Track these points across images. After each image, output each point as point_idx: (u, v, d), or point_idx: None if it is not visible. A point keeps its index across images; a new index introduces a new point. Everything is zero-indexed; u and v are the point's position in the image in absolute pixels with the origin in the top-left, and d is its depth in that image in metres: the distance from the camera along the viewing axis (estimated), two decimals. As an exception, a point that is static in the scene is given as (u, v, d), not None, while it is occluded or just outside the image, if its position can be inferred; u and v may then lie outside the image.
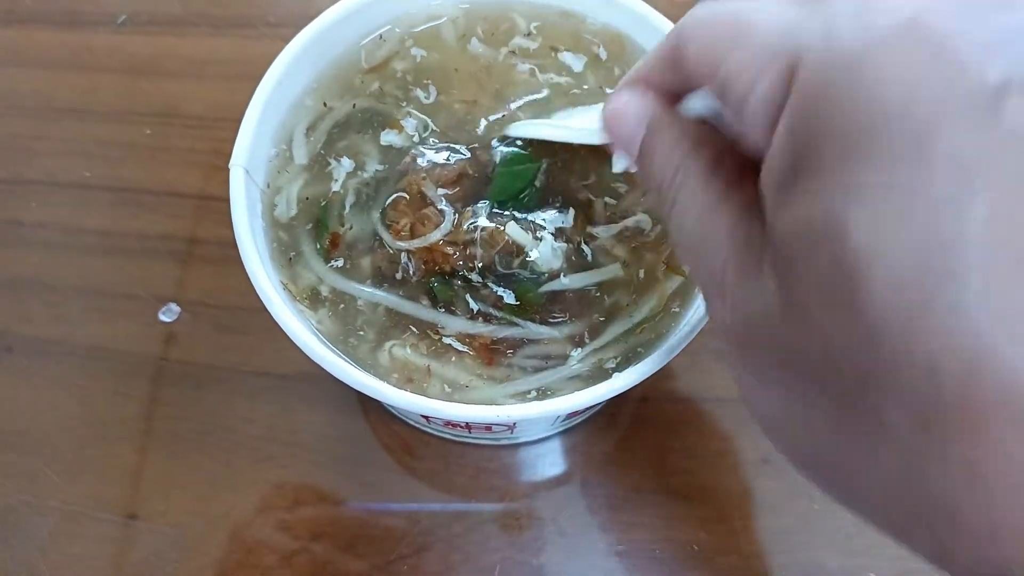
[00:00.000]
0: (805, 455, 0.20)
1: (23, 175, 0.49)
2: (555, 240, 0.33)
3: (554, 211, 0.34)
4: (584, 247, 0.34)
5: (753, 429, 0.41)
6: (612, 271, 0.34)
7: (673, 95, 0.24)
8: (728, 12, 0.21)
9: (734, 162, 0.22)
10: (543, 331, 0.33)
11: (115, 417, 0.43)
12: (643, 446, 0.42)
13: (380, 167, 0.36)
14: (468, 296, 0.33)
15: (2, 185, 0.49)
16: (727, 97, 0.20)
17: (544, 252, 0.33)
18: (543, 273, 0.33)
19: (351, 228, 0.35)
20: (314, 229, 0.35)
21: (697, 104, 0.23)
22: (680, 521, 0.40)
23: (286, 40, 0.53)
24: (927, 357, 0.15)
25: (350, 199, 0.36)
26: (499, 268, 0.33)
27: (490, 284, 0.33)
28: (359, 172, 0.36)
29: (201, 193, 0.48)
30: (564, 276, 0.33)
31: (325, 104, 0.37)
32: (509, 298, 0.33)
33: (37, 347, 0.45)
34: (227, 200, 0.46)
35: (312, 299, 0.35)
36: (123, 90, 0.52)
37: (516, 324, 0.33)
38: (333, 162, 0.36)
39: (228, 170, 0.33)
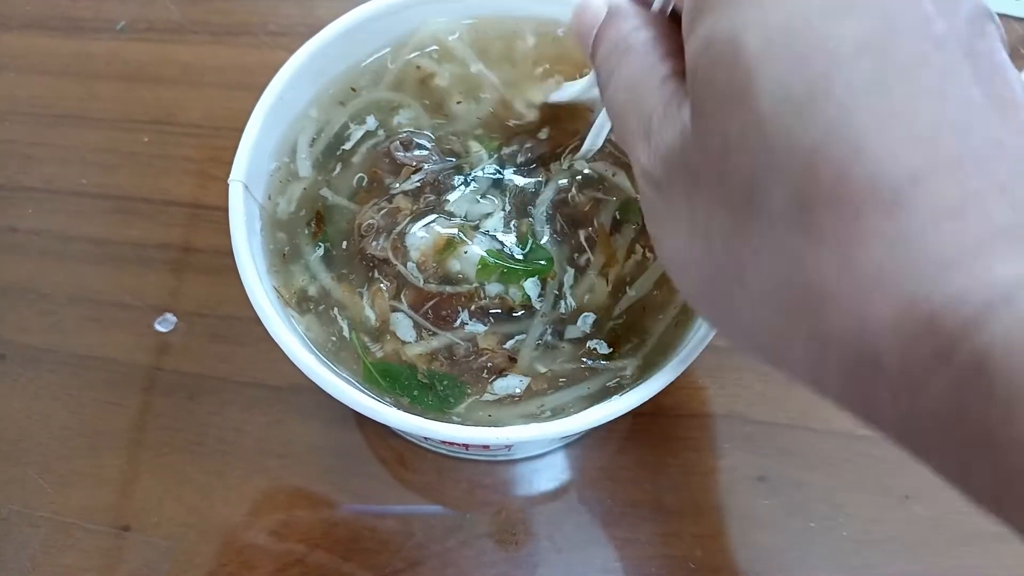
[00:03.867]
0: (702, 283, 0.23)
1: (19, 182, 0.49)
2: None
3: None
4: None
5: (748, 446, 0.41)
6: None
7: None
8: None
9: (679, 44, 0.23)
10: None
11: (108, 427, 0.42)
12: (639, 462, 0.41)
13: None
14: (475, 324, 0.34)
15: (-2, 191, 0.49)
16: None
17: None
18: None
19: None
20: (311, 223, 0.36)
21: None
22: (676, 538, 0.40)
23: (286, 49, 0.52)
24: (809, 146, 0.17)
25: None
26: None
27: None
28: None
29: (198, 202, 0.48)
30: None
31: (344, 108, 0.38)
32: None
33: (31, 355, 0.44)
34: (224, 209, 0.46)
35: (301, 301, 0.35)
36: (121, 97, 0.52)
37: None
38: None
39: (225, 179, 0.33)
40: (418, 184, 0.36)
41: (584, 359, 0.33)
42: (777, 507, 0.40)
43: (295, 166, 0.36)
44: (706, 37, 0.20)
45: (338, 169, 0.37)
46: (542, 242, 0.35)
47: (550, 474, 0.41)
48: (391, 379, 0.33)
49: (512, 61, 0.39)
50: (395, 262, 0.34)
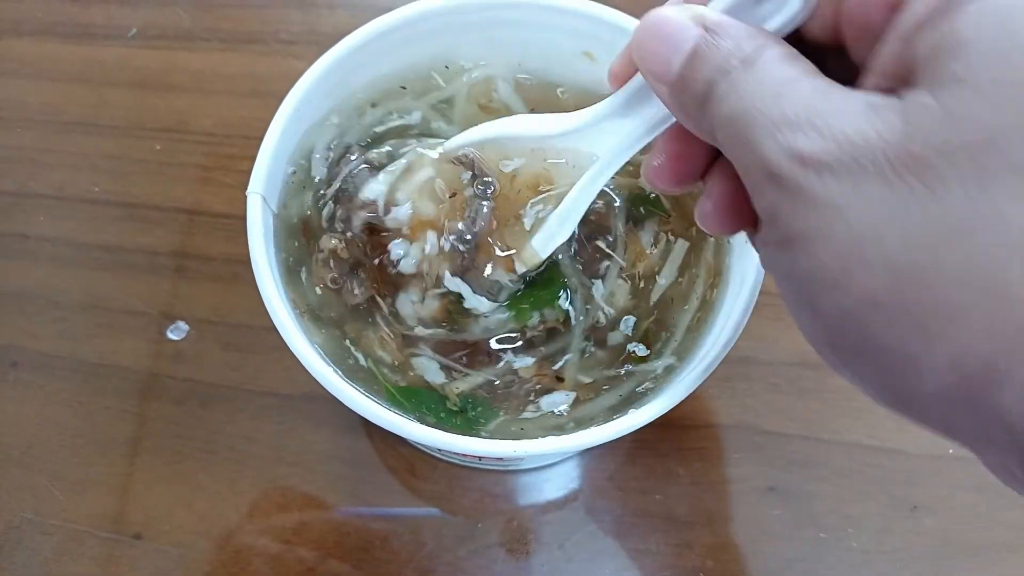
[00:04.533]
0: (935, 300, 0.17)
1: (31, 188, 0.49)
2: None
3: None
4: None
5: (758, 457, 0.41)
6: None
7: None
8: None
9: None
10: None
11: (120, 434, 0.43)
12: (649, 472, 0.42)
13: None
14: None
15: (9, 198, 0.49)
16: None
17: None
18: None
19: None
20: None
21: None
22: (687, 548, 0.40)
23: (297, 57, 0.53)
24: None
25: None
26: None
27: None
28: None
29: (209, 210, 0.48)
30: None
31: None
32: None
33: (42, 363, 0.44)
34: (235, 217, 0.47)
35: (315, 318, 0.35)
36: (132, 104, 0.52)
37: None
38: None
39: (237, 186, 0.33)
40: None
41: (625, 363, 0.34)
42: (787, 518, 0.40)
43: (311, 170, 0.37)
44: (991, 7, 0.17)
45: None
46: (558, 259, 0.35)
47: (560, 483, 0.42)
48: (417, 401, 0.33)
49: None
50: (410, 330, 0.33)
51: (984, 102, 0.17)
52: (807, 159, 0.18)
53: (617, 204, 0.36)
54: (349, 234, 0.33)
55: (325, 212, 0.35)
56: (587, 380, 0.33)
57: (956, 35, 0.18)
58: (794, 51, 0.21)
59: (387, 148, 0.35)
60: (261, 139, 0.34)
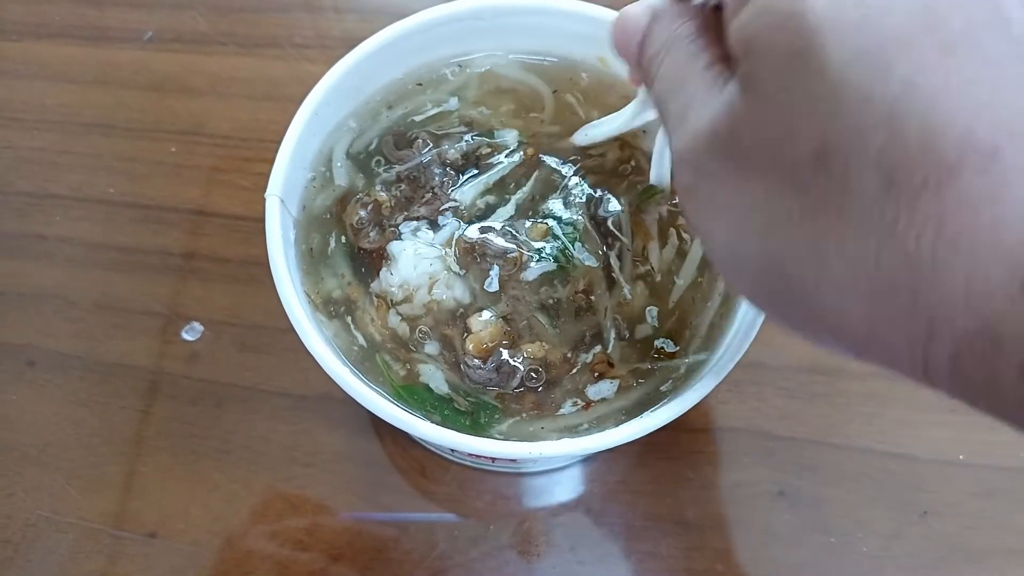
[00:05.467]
0: (763, 273, 0.21)
1: (48, 189, 0.50)
2: None
3: None
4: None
5: (768, 461, 0.42)
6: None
7: None
8: None
9: (721, 34, 0.22)
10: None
11: (136, 434, 0.43)
12: (660, 476, 0.42)
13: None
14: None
15: (27, 199, 0.50)
16: None
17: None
18: None
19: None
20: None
21: None
22: (698, 552, 0.40)
23: (312, 61, 0.53)
24: (889, 102, 0.16)
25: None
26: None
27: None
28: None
29: (225, 212, 0.48)
30: None
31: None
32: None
33: (59, 362, 0.45)
34: (250, 219, 0.47)
35: (327, 304, 0.35)
36: (149, 107, 0.52)
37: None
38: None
39: (253, 189, 0.34)
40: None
41: (654, 357, 0.34)
42: (797, 522, 0.40)
43: (331, 175, 0.37)
44: (763, 5, 0.19)
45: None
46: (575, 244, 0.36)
47: (572, 486, 0.42)
48: (418, 399, 0.33)
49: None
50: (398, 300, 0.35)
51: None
52: (686, 161, 0.22)
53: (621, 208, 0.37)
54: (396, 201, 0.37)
55: (385, 176, 0.37)
56: (622, 370, 0.34)
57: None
58: (697, 26, 0.23)
59: (460, 145, 0.38)
60: (276, 142, 0.34)
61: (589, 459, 0.42)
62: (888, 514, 0.41)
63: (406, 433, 0.42)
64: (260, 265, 0.32)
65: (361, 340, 0.35)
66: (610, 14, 0.37)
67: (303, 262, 0.35)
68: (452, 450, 0.35)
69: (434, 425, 0.29)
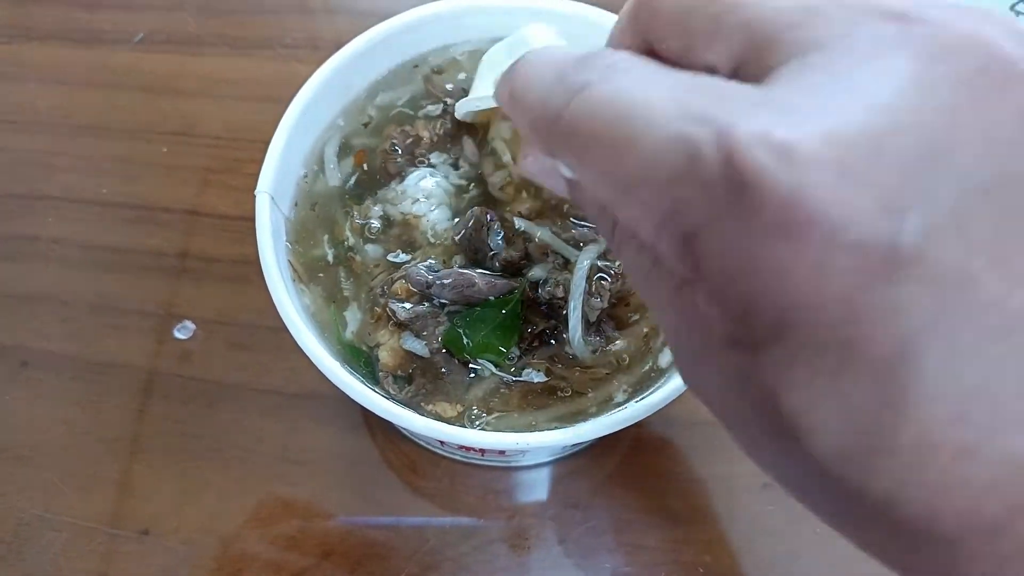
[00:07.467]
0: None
1: (40, 190, 0.50)
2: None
3: None
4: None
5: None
6: None
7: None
8: None
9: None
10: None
11: (128, 433, 0.43)
12: (646, 470, 0.42)
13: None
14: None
15: (19, 200, 0.50)
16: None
17: None
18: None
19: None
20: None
21: None
22: (685, 544, 0.40)
23: (302, 61, 0.54)
24: (885, 495, 0.15)
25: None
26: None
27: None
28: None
29: (216, 212, 0.49)
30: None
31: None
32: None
33: (52, 362, 0.45)
34: (241, 218, 0.47)
35: (312, 270, 0.36)
36: (140, 108, 0.53)
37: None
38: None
39: (244, 189, 0.34)
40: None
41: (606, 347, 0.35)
42: (783, 513, 0.41)
43: (324, 175, 0.38)
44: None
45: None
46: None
47: (561, 480, 0.42)
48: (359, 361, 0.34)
49: None
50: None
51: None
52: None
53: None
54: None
55: (430, 109, 0.39)
56: (589, 360, 0.34)
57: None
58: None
59: None
60: (267, 142, 0.35)
61: (578, 454, 0.43)
62: (873, 505, 0.41)
63: (396, 429, 0.42)
64: (251, 264, 0.33)
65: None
66: (610, 17, 0.37)
67: (293, 231, 0.36)
68: (441, 442, 0.35)
69: (424, 418, 0.30)
